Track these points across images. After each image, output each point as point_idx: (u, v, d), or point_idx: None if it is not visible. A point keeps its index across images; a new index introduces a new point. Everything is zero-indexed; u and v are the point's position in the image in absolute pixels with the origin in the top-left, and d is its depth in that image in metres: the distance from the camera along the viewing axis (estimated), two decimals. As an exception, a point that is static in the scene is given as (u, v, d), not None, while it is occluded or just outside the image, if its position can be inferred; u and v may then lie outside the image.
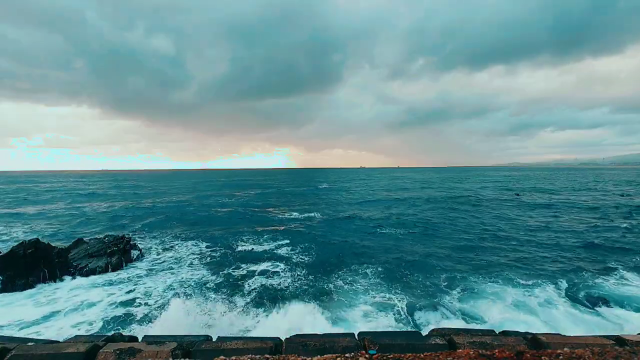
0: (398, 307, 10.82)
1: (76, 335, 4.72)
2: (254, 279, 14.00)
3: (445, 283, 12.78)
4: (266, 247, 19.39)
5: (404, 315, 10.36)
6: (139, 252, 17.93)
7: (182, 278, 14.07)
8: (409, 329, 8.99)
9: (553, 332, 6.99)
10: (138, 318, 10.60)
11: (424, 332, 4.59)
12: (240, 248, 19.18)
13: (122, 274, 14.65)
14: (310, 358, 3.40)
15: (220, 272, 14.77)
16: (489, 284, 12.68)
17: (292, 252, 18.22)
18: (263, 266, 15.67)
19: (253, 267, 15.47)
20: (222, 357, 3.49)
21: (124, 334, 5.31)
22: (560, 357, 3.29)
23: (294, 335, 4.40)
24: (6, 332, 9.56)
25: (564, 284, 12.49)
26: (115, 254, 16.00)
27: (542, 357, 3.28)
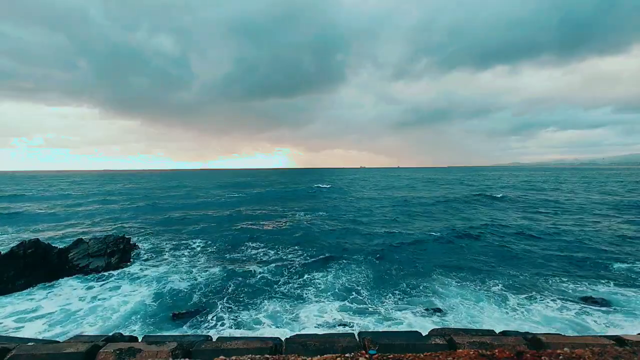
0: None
1: (76, 335, 4.73)
2: (257, 278, 13.99)
3: None
4: (270, 247, 19.33)
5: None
6: (139, 252, 17.93)
7: (183, 277, 14.05)
8: (409, 329, 8.98)
9: (553, 332, 7.00)
10: (138, 317, 10.60)
11: (424, 333, 4.59)
12: (241, 248, 19.15)
13: (122, 273, 14.64)
14: (310, 358, 3.41)
15: (221, 271, 14.75)
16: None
17: (292, 254, 18.20)
18: (266, 265, 15.64)
19: (256, 267, 15.43)
20: (222, 357, 3.50)
21: (124, 334, 5.32)
22: (560, 357, 3.30)
23: (294, 335, 4.41)
24: (6, 332, 9.55)
25: None
26: (115, 254, 15.98)
27: (542, 357, 3.29)
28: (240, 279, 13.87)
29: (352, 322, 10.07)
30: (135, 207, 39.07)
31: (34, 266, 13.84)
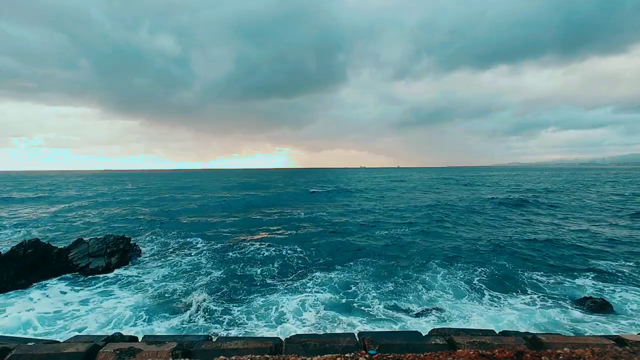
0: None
1: (76, 335, 4.73)
2: (259, 280, 13.98)
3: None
4: (273, 249, 19.22)
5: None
6: (139, 253, 17.93)
7: (183, 277, 14.05)
8: (409, 329, 8.98)
9: (553, 332, 6.99)
10: (137, 317, 10.59)
11: (424, 333, 4.59)
12: (244, 250, 19.12)
13: (122, 273, 14.63)
14: (310, 358, 3.41)
15: (222, 272, 14.75)
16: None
17: (296, 253, 18.17)
18: (269, 267, 15.63)
19: (258, 269, 15.42)
20: (222, 357, 3.50)
21: (123, 334, 5.31)
22: (560, 357, 3.30)
23: (294, 335, 4.41)
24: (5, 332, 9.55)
25: None
26: (115, 254, 15.99)
27: (542, 357, 3.29)
28: (241, 280, 13.87)
29: (352, 324, 10.08)
30: (135, 208, 39.10)
31: (34, 266, 13.84)
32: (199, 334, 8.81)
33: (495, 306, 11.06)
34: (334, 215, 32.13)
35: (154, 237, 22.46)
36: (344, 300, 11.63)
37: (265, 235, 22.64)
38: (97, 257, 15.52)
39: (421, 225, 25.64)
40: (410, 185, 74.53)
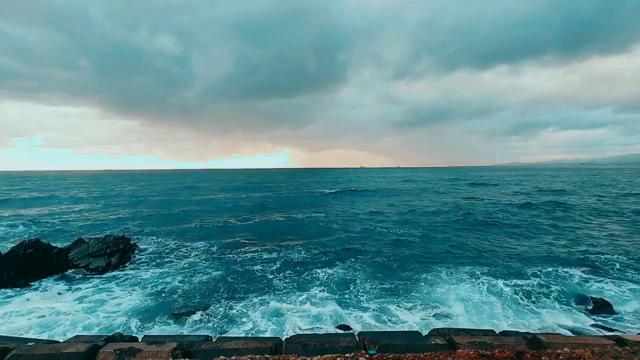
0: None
1: (76, 335, 4.73)
2: (260, 280, 13.98)
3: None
4: (274, 250, 19.23)
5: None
6: (139, 253, 17.93)
7: (183, 277, 14.05)
8: (409, 329, 8.98)
9: (553, 332, 6.99)
10: (137, 317, 10.59)
11: (424, 332, 4.59)
12: (245, 250, 19.12)
13: (122, 273, 14.63)
14: (310, 358, 3.41)
15: (222, 272, 14.74)
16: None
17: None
18: (269, 265, 15.64)
19: (257, 268, 15.43)
20: (222, 357, 3.50)
21: (123, 334, 5.32)
22: (560, 357, 3.30)
23: (294, 335, 4.41)
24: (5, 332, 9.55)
25: None
26: (115, 254, 15.99)
27: (542, 357, 3.29)
28: (242, 280, 13.85)
29: (352, 324, 10.09)
30: (135, 208, 39.06)
31: (34, 266, 13.84)
32: (199, 334, 8.82)
33: (498, 308, 11.07)
34: (338, 216, 32.06)
35: (154, 237, 22.43)
36: (344, 300, 11.64)
37: (267, 237, 22.59)
38: (97, 257, 15.53)
39: (433, 228, 24.80)
40: (414, 186, 73.78)
